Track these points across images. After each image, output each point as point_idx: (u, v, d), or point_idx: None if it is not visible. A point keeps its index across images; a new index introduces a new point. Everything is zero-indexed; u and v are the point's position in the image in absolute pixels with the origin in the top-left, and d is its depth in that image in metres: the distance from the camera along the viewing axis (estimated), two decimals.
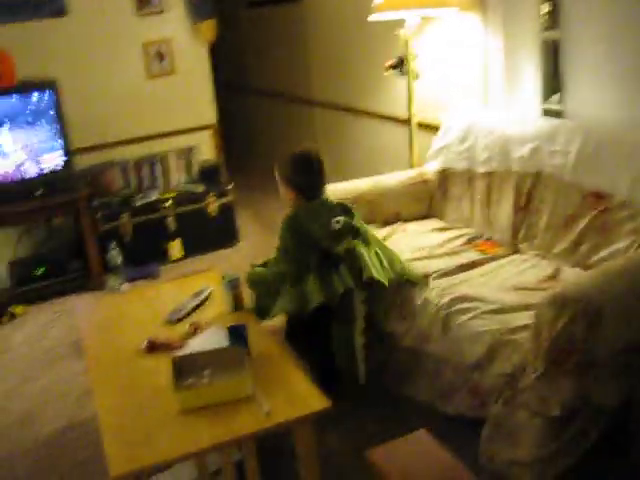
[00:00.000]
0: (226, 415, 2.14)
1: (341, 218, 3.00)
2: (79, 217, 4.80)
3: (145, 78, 5.47)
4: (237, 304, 2.83)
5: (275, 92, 7.20)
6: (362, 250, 2.99)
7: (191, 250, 5.26)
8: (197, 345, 2.57)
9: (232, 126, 6.35)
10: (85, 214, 4.76)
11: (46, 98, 4.67)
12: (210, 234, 5.32)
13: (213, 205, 5.27)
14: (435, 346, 2.93)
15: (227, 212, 5.35)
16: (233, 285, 2.81)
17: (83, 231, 4.82)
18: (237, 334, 2.47)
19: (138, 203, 5.10)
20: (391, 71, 4.59)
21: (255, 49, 7.54)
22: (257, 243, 5.45)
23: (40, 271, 4.87)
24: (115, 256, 4.86)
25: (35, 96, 4.65)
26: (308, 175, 3.09)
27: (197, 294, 2.97)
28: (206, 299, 2.96)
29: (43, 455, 3.11)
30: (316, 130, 6.46)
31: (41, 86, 4.69)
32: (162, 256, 5.17)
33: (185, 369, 2.32)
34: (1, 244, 5.05)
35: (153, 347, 2.57)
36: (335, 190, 3.81)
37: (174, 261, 5.19)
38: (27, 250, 5.25)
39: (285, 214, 3.05)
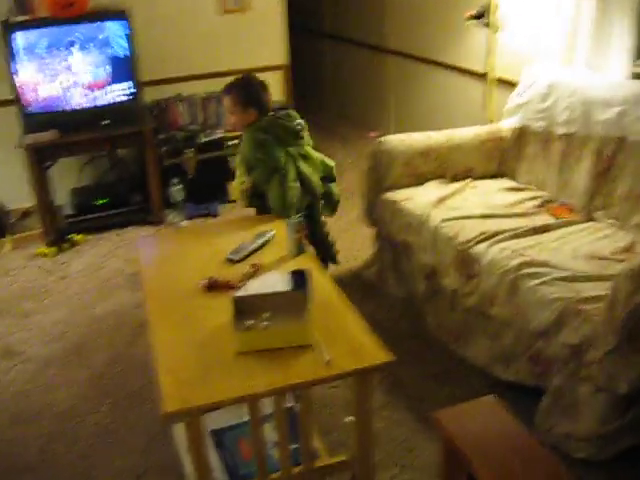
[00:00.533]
0: (284, 361, 2.09)
1: (300, 121, 3.38)
2: (144, 150, 4.77)
3: (219, 13, 5.37)
4: (299, 248, 2.77)
5: (347, 38, 7.04)
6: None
7: None
8: (257, 287, 2.51)
9: (302, 69, 6.22)
10: (150, 147, 4.73)
11: (118, 28, 4.61)
12: None
13: None
14: (499, 309, 2.83)
15: None
16: (297, 228, 2.74)
17: (147, 164, 4.79)
18: (299, 279, 2.40)
19: (203, 140, 5.04)
20: (472, 21, 4.42)
21: None
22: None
23: (102, 201, 4.88)
24: (176, 192, 4.82)
25: (107, 25, 4.60)
26: (266, 94, 3.41)
27: (259, 235, 2.90)
28: (268, 241, 2.90)
29: (96, 383, 3.14)
30: (387, 78, 6.31)
31: (113, 15, 4.63)
32: (222, 195, 5.11)
33: (244, 310, 2.27)
34: (66, 171, 5.07)
35: (213, 285, 2.53)
36: (406, 140, 3.71)
37: (233, 201, 5.14)
38: (90, 179, 5.27)
39: (251, 135, 3.27)
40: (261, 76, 5.46)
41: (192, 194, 4.93)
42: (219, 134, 5.13)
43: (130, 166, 5.30)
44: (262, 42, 5.59)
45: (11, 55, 4.39)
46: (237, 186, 3.39)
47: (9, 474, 2.64)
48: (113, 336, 3.49)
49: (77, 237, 4.65)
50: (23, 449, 2.76)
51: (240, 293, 2.44)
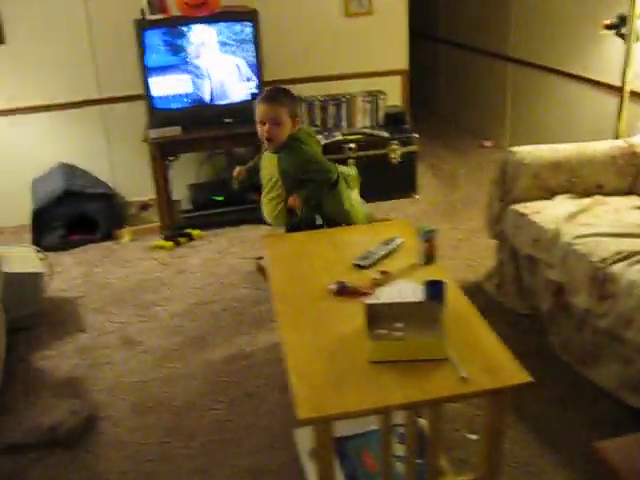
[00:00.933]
0: (419, 374, 2.02)
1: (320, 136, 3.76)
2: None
3: (343, 16, 5.35)
4: (429, 257, 2.70)
5: (463, 44, 6.92)
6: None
7: (368, 196, 5.09)
8: (387, 295, 2.46)
9: (418, 75, 6.14)
10: None
11: (247, 29, 4.65)
12: (389, 182, 5.18)
13: (396, 152, 5.12)
14: (636, 333, 2.68)
15: (409, 161, 5.19)
16: (428, 237, 2.68)
17: None
18: (434, 290, 2.34)
19: (322, 142, 5.01)
20: (608, 31, 4.24)
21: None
22: (434, 197, 5.28)
23: (218, 198, 4.93)
24: None
25: (236, 25, 4.64)
26: None
27: (387, 242, 2.85)
28: (396, 249, 2.85)
29: (214, 379, 3.15)
30: (505, 87, 6.17)
31: (242, 16, 4.67)
32: None
33: (377, 318, 2.22)
34: (183, 167, 5.15)
35: (342, 290, 2.49)
36: (534, 151, 3.59)
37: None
38: (206, 177, 5.35)
39: (294, 141, 3.34)
40: (381, 81, 5.54)
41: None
42: (338, 136, 5.11)
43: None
44: (383, 47, 5.55)
45: (143, 52, 4.49)
46: (273, 205, 3.48)
47: (132, 462, 2.67)
48: (231, 333, 3.50)
49: (194, 232, 4.71)
50: (143, 439, 2.79)
51: (371, 300, 2.40)
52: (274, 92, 3.30)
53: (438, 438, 2.17)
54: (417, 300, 2.35)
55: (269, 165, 3.41)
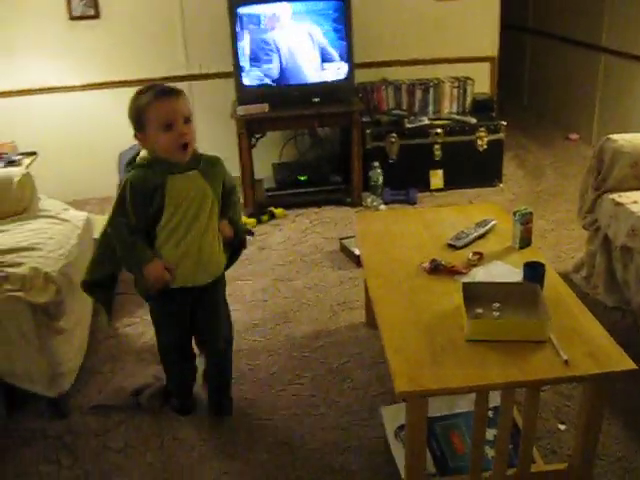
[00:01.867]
0: (519, 355, 1.97)
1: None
2: (350, 131, 4.75)
3: (434, 0, 5.27)
4: (526, 240, 2.63)
5: (552, 33, 6.74)
6: None
7: (451, 182, 5.09)
8: (482, 275, 2.42)
9: (504, 65, 6.00)
10: (356, 129, 4.70)
11: (338, 7, 4.60)
12: (473, 169, 5.09)
13: (483, 140, 5.02)
14: None
15: (495, 149, 5.08)
16: (525, 219, 2.61)
17: (351, 145, 4.77)
18: (533, 272, 2.28)
19: (408, 126, 4.96)
20: None
21: None
22: (519, 187, 5.16)
23: (302, 178, 4.93)
24: (377, 175, 4.80)
25: (328, 4, 4.61)
26: None
27: (480, 224, 2.80)
28: (489, 231, 2.79)
29: (297, 354, 3.14)
30: (595, 78, 5.97)
31: None
32: (422, 183, 5.02)
33: (473, 297, 2.17)
34: (270, 145, 5.16)
35: (436, 268, 2.45)
36: (633, 140, 3.46)
37: (433, 190, 5.04)
38: (290, 156, 5.36)
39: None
40: (469, 67, 5.44)
41: (391, 179, 4.88)
42: (425, 121, 5.03)
43: (331, 146, 5.34)
44: (473, 32, 5.46)
45: (234, 29, 4.49)
46: (217, 242, 2.48)
47: (213, 430, 2.69)
48: (314, 310, 3.48)
49: (276, 210, 4.72)
50: None
51: (467, 279, 2.35)
52: (166, 85, 2.36)
53: (534, 423, 2.10)
54: (514, 281, 2.29)
55: (193, 187, 2.34)
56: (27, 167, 4.02)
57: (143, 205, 2.29)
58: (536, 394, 2.04)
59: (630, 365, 1.93)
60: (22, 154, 4.42)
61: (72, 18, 4.90)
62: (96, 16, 4.92)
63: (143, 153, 2.36)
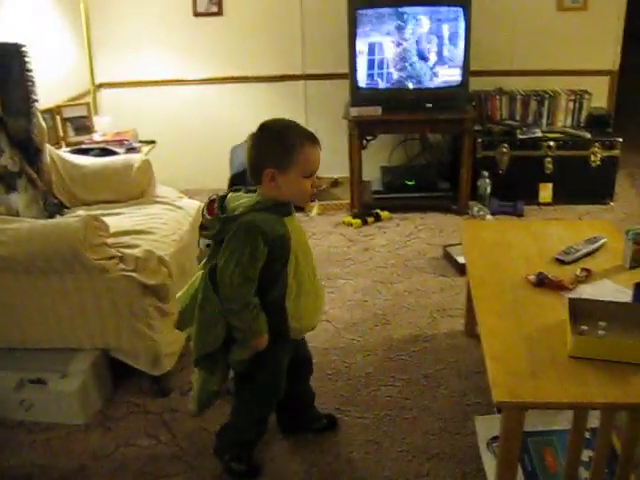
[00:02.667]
0: (621, 376, 1.93)
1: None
2: (462, 139, 4.73)
3: (555, 10, 5.18)
4: (637, 260, 2.57)
5: None
6: None
7: (560, 197, 4.98)
8: (589, 293, 2.38)
9: (629, 77, 5.82)
10: (468, 137, 4.68)
11: (458, 14, 4.58)
12: (585, 185, 4.96)
13: (596, 156, 4.90)
14: None
15: (609, 166, 4.94)
16: (638, 239, 2.55)
17: (461, 153, 4.76)
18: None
19: (520, 137, 4.90)
20: None
21: None
22: (630, 207, 5.01)
23: (410, 183, 4.94)
24: (485, 185, 4.77)
25: (448, 10, 4.60)
26: None
27: (590, 241, 2.75)
28: (599, 248, 2.74)
29: (393, 356, 3.16)
30: None
31: (455, 2, 4.59)
32: (530, 196, 4.94)
33: (579, 314, 2.14)
34: (380, 148, 5.21)
35: (543, 282, 2.43)
36: None
37: (541, 204, 4.96)
38: (399, 160, 5.38)
39: None
40: (586, 80, 5.32)
41: (499, 190, 4.83)
42: (537, 133, 4.95)
43: (440, 152, 5.33)
44: (594, 44, 5.31)
45: (353, 31, 4.54)
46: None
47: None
48: (413, 315, 3.49)
49: (382, 213, 4.75)
50: (320, 404, 2.81)
51: (573, 295, 2.32)
52: (312, 133, 2.15)
53: (634, 448, 2.06)
54: (623, 301, 2.24)
55: (299, 228, 2.25)
56: (146, 154, 4.18)
57: (267, 254, 2.07)
58: (637, 418, 2.00)
59: None
60: (142, 142, 4.59)
61: (196, 14, 5.09)
62: (219, 13, 5.09)
63: (246, 198, 2.15)
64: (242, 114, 5.27)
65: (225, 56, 5.19)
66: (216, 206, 2.13)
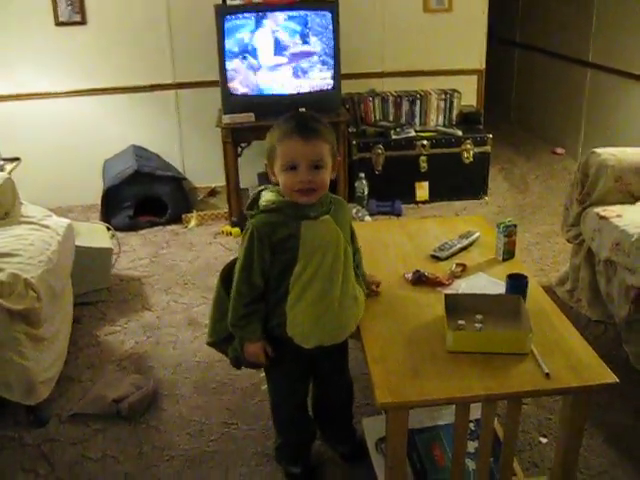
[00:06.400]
0: (500, 368, 1.96)
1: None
2: (336, 141, 4.73)
3: (422, 11, 5.30)
4: (509, 252, 2.63)
5: (544, 49, 6.77)
6: None
7: (437, 194, 5.10)
8: (465, 287, 2.42)
9: (491, 79, 6.02)
10: (343, 139, 4.70)
11: (326, 19, 4.60)
12: (459, 182, 5.10)
13: (469, 152, 5.03)
14: None
15: (481, 162, 5.10)
16: (509, 232, 2.61)
17: None
18: (516, 284, 2.27)
19: (394, 137, 4.97)
20: None
21: (528, 2, 7.15)
22: (504, 200, 5.18)
23: None
24: (362, 186, 4.81)
25: (315, 15, 4.60)
26: None
27: (464, 236, 2.79)
28: (473, 242, 2.78)
29: None
30: (581, 93, 6.00)
31: (322, 6, 4.62)
32: (407, 195, 5.03)
33: (456, 309, 2.16)
34: (255, 156, 5.14)
35: (419, 279, 2.44)
36: (618, 154, 3.47)
37: (419, 202, 5.05)
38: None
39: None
40: (455, 79, 5.46)
41: (377, 190, 4.89)
42: (411, 133, 5.04)
43: None
44: (461, 45, 5.50)
45: (222, 38, 4.48)
46: (360, 300, 2.23)
47: (194, 440, 2.67)
48: None
49: None
50: (206, 418, 2.77)
51: (450, 290, 2.34)
52: (309, 120, 2.05)
53: (515, 435, 2.09)
54: (497, 293, 2.28)
55: (328, 233, 2.08)
56: (9, 173, 3.99)
57: (271, 256, 2.03)
58: (517, 406, 2.04)
59: (611, 378, 1.92)
60: (4, 159, 4.37)
61: (58, 24, 4.88)
62: (83, 22, 4.91)
63: (268, 195, 2.09)
64: (113, 126, 5.12)
65: (92, 67, 5.01)
66: (247, 201, 2.12)
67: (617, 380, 1.93)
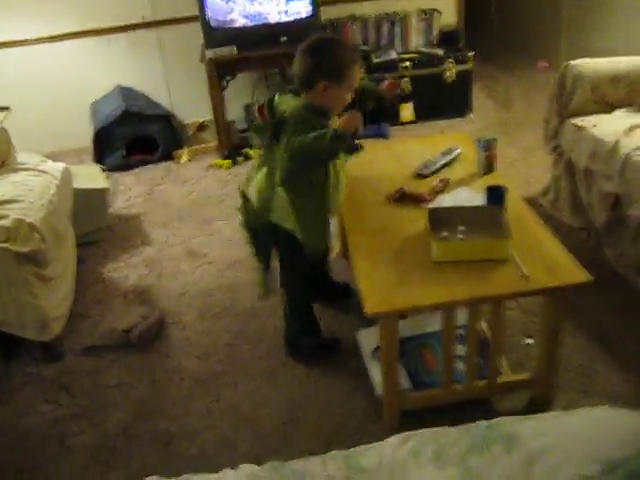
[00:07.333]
0: (482, 273, 2.11)
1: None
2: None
3: None
4: (489, 166, 2.75)
5: None
6: None
7: (422, 114, 5.17)
8: (448, 201, 2.54)
9: None
10: None
11: None
12: (443, 101, 5.18)
13: (451, 71, 5.09)
14: None
15: (464, 80, 5.16)
16: (488, 146, 2.72)
17: None
18: (495, 194, 2.40)
19: (376, 60, 5.02)
20: None
21: None
22: (488, 117, 5.26)
23: None
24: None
25: None
26: None
27: (446, 152, 2.91)
28: (455, 158, 2.90)
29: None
30: (563, 3, 6.01)
31: None
32: (394, 117, 5.10)
33: (440, 222, 2.29)
34: (241, 88, 5.22)
35: (404, 196, 2.57)
36: (593, 65, 3.55)
37: (404, 123, 5.13)
38: (262, 96, 5.40)
39: None
40: None
41: (362, 115, 4.94)
42: (393, 55, 5.09)
43: None
44: None
45: None
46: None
47: (201, 362, 2.83)
48: None
49: (250, 151, 4.79)
50: (212, 342, 2.93)
51: (433, 205, 2.47)
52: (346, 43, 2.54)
53: (500, 336, 2.26)
54: (478, 205, 2.41)
55: None
56: (1, 123, 4.05)
57: None
58: (500, 308, 2.19)
59: (586, 277, 2.07)
60: None
61: None
62: None
63: (294, 101, 2.37)
64: (96, 69, 5.15)
65: (70, 11, 4.97)
66: (265, 110, 2.35)
67: (592, 278, 2.07)
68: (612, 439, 1.35)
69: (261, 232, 2.55)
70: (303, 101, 2.37)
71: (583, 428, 1.42)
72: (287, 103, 2.38)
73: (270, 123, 2.37)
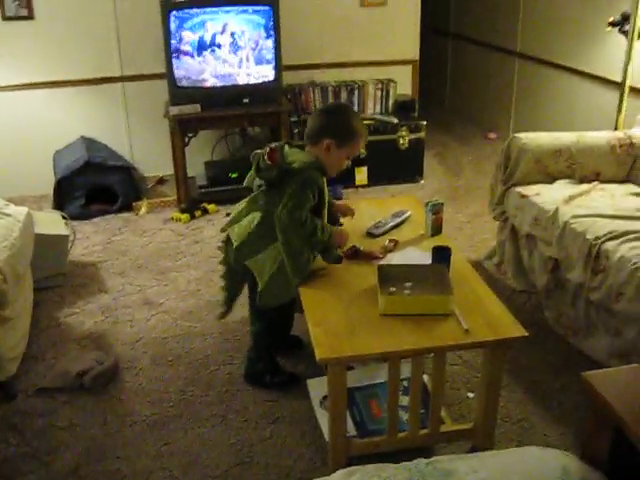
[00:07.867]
0: (427, 326, 2.25)
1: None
2: (278, 130, 4.99)
3: (359, 6, 5.57)
4: (437, 228, 2.92)
5: (472, 38, 7.13)
6: None
7: (375, 179, 5.38)
8: (397, 260, 2.69)
9: (426, 68, 6.33)
10: (284, 128, 4.94)
11: (266, 13, 4.82)
12: (396, 166, 5.40)
13: (404, 139, 5.33)
14: (626, 305, 2.90)
15: (416, 148, 5.40)
16: (436, 209, 2.90)
17: None
18: (441, 255, 2.56)
19: None
20: (612, 28, 4.44)
21: None
22: (439, 183, 5.49)
23: (233, 175, 5.12)
24: None
25: (256, 9, 4.81)
26: None
27: (397, 214, 3.08)
28: (405, 220, 3.07)
29: (229, 338, 3.38)
30: (511, 81, 6.37)
31: (263, 0, 4.83)
32: (348, 180, 5.28)
33: (388, 278, 2.44)
34: (202, 145, 5.37)
35: (356, 254, 2.71)
36: (536, 139, 3.78)
37: (358, 186, 5.33)
38: (222, 154, 5.57)
39: None
40: (392, 70, 5.75)
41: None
42: None
43: (260, 144, 5.55)
44: (396, 37, 5.77)
45: (168, 32, 4.67)
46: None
47: (154, 407, 2.90)
48: (245, 297, 3.69)
49: (209, 206, 4.92)
50: (164, 388, 3.00)
51: (383, 263, 2.62)
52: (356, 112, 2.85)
53: (441, 386, 2.39)
54: (425, 263, 2.57)
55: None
56: None
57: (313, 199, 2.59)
58: (441, 360, 2.32)
59: (521, 332, 2.23)
60: None
61: (5, 18, 4.98)
62: (30, 17, 5.01)
63: (301, 155, 2.65)
64: (62, 119, 5.26)
65: (40, 61, 5.12)
66: (278, 156, 2.54)
67: (526, 333, 2.23)
68: (543, 476, 1.48)
69: (239, 272, 2.78)
70: (311, 157, 2.65)
71: (516, 465, 1.55)
72: (295, 156, 2.64)
73: (278, 168, 2.54)
